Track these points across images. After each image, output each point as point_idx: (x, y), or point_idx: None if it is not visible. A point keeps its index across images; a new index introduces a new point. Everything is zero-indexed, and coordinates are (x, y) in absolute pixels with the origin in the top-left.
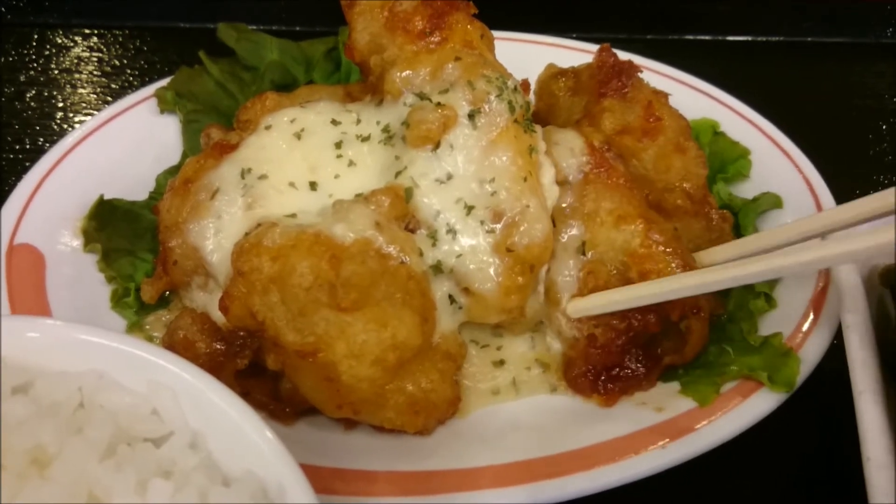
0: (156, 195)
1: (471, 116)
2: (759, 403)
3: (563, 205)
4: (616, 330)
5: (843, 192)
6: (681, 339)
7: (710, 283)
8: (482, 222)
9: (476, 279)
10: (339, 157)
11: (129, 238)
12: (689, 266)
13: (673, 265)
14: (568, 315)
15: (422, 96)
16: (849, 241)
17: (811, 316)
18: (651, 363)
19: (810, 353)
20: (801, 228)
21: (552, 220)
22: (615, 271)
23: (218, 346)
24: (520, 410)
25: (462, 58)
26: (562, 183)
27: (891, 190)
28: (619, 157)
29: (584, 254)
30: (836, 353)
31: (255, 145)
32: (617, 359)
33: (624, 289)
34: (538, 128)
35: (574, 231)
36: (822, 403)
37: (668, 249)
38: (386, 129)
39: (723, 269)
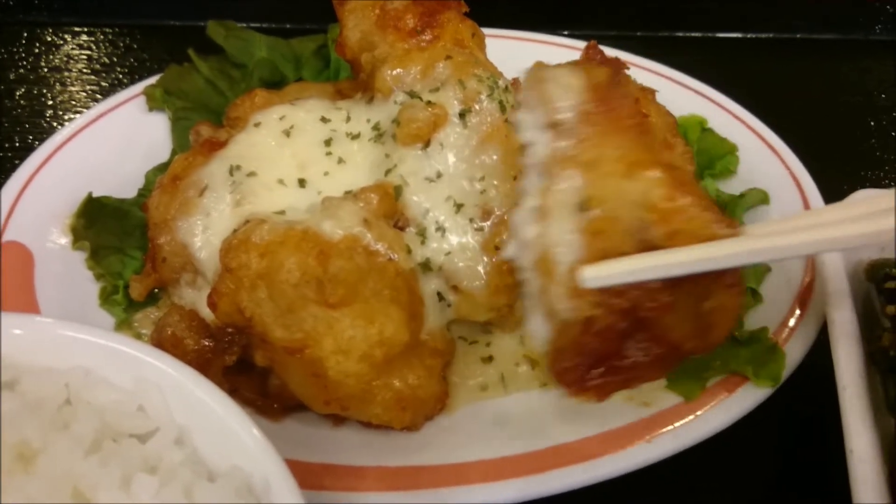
0: (145, 192)
1: (461, 115)
2: (745, 398)
3: (556, 152)
4: (619, 311)
5: (831, 189)
6: (700, 320)
7: (769, 249)
8: (471, 220)
9: (464, 277)
10: (328, 154)
11: (117, 235)
12: (731, 225)
13: (714, 224)
14: (568, 287)
15: (412, 94)
16: None
17: (797, 311)
18: (662, 350)
19: (796, 349)
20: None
21: (550, 171)
22: (631, 230)
23: (206, 343)
24: (508, 406)
25: (453, 56)
26: (554, 126)
27: None
28: (629, 97)
29: (586, 210)
30: (821, 348)
31: (244, 143)
32: (615, 346)
33: (657, 254)
34: None
35: (572, 182)
36: (807, 398)
37: (701, 203)
38: (376, 127)
39: (785, 235)
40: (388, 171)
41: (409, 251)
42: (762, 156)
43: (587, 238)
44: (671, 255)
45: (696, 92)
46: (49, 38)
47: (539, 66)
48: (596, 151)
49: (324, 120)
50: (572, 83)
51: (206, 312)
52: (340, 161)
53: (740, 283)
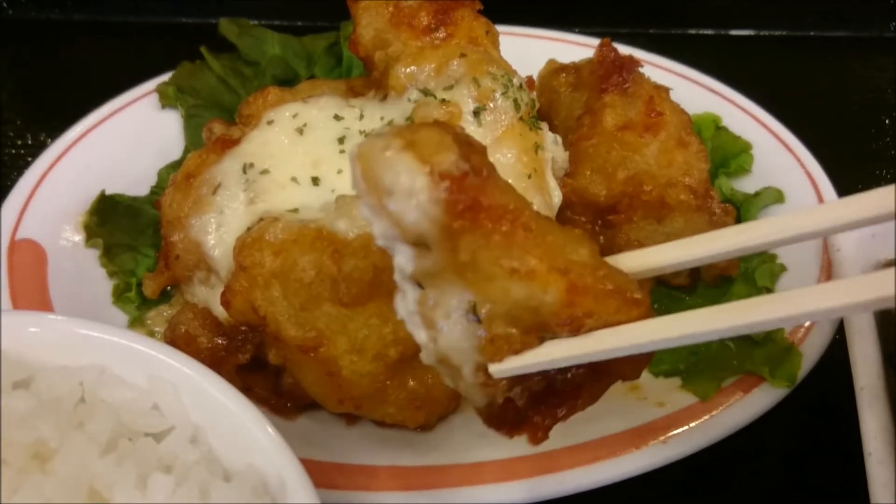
0: (157, 190)
1: (476, 113)
2: (761, 398)
3: (422, 266)
4: (536, 384)
5: (845, 187)
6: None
7: (679, 337)
8: None
9: None
10: (341, 152)
11: (130, 233)
12: (637, 303)
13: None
14: (477, 383)
15: (426, 92)
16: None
17: None
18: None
19: (812, 348)
20: (799, 225)
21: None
22: (529, 327)
23: (219, 341)
24: None
25: (467, 54)
26: (414, 242)
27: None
28: (491, 169)
29: (475, 314)
30: (838, 348)
31: (257, 140)
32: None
33: (566, 343)
34: (544, 125)
35: (450, 293)
36: (823, 398)
37: (603, 291)
38: (390, 125)
39: (697, 318)
40: None
41: None
42: (777, 154)
43: (482, 347)
44: (581, 343)
45: (710, 89)
46: (61, 36)
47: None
48: (467, 256)
49: (337, 118)
50: (416, 184)
51: (220, 310)
52: None
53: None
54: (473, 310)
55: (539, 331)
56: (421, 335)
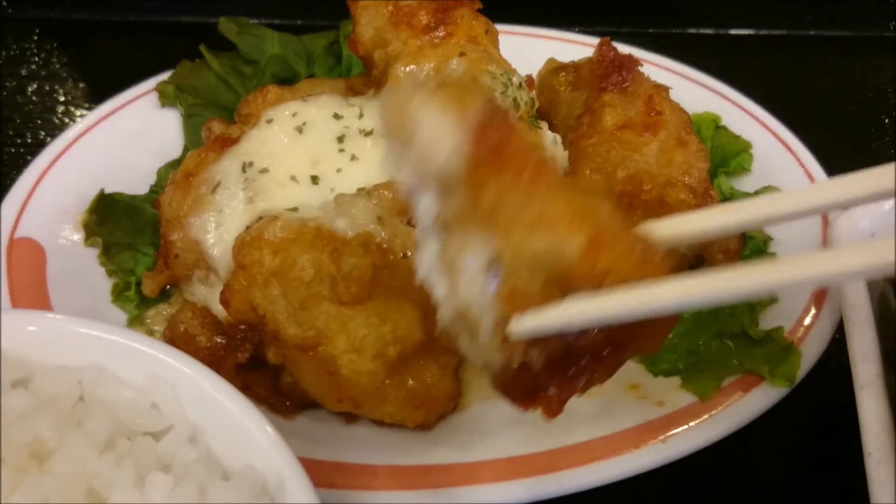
0: (157, 189)
1: None
2: (760, 398)
3: (447, 211)
4: (554, 348)
5: None
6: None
7: (703, 296)
8: None
9: None
10: (341, 151)
11: (129, 232)
12: (657, 263)
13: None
14: (495, 342)
15: None
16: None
17: (813, 310)
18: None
19: (812, 348)
20: (806, 200)
21: (443, 229)
22: (550, 280)
23: (218, 340)
24: None
25: (467, 53)
26: (440, 182)
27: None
28: (520, 136)
29: (496, 265)
30: (837, 347)
31: (256, 139)
32: (560, 363)
33: (587, 300)
34: (544, 124)
35: (473, 243)
36: (823, 398)
37: (625, 246)
38: None
39: (716, 278)
40: None
41: None
42: (776, 153)
43: (504, 299)
44: (603, 302)
45: (710, 89)
46: (61, 34)
47: (401, 111)
48: (492, 204)
49: (336, 116)
50: (446, 126)
51: (219, 309)
52: (353, 158)
53: None
54: (495, 260)
55: (560, 283)
56: (441, 288)
